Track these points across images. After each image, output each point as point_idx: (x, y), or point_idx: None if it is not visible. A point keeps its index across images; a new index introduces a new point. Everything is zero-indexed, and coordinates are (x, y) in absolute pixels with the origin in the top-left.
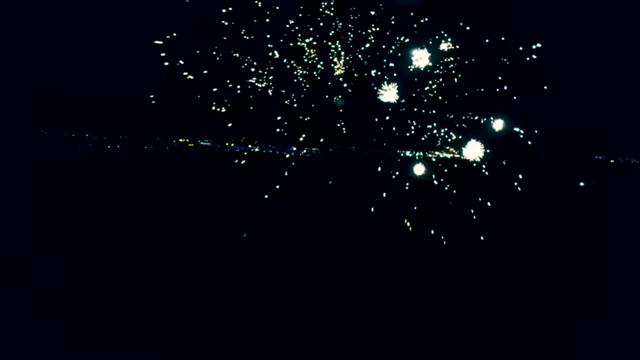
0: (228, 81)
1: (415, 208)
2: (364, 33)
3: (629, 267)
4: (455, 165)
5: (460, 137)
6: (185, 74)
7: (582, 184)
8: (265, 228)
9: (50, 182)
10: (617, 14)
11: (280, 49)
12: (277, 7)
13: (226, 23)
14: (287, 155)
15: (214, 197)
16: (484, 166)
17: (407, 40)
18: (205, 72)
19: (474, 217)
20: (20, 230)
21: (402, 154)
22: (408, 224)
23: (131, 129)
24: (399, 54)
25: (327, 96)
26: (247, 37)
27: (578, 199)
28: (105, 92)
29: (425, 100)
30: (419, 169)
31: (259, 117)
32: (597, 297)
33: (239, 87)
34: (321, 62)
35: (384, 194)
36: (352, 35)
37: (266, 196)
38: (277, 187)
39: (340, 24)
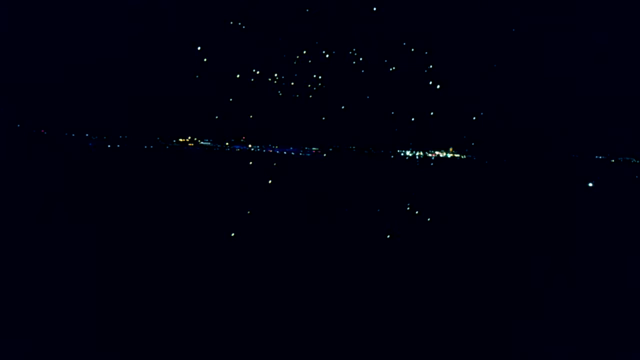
0: (228, 80)
1: (415, 209)
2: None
3: (629, 267)
4: (455, 165)
5: (461, 135)
6: (185, 72)
7: (590, 184)
8: (264, 228)
9: (49, 182)
10: (616, 13)
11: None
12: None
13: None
14: (287, 155)
15: (213, 196)
16: (483, 166)
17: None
18: (205, 71)
19: (474, 217)
20: (20, 230)
21: (402, 154)
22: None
23: (131, 129)
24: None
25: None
26: (246, 34)
27: (578, 199)
28: (106, 92)
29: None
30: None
31: (259, 116)
32: (596, 298)
33: (238, 86)
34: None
35: (384, 195)
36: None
37: (265, 196)
38: (277, 186)
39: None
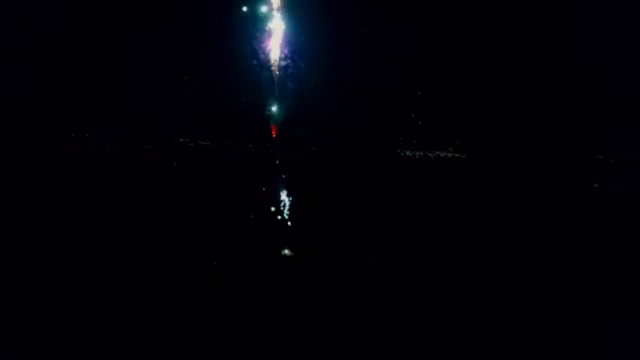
0: (228, 81)
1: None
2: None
3: (628, 267)
4: (455, 165)
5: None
6: (185, 73)
7: (595, 185)
8: (265, 226)
9: (49, 182)
10: (616, 12)
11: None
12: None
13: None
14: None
15: (213, 196)
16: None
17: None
18: (205, 72)
19: (474, 215)
20: (20, 230)
21: (402, 153)
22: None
23: (131, 128)
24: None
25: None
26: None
27: (577, 198)
28: (106, 92)
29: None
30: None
31: (260, 117)
32: (595, 297)
33: (239, 86)
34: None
35: (384, 194)
36: None
37: (264, 192)
38: (277, 185)
39: None
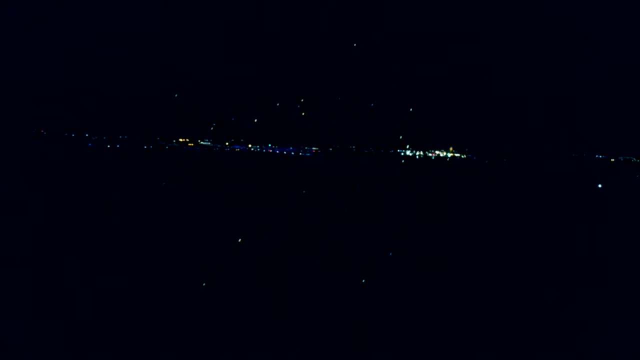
0: (228, 81)
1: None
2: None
3: (629, 267)
4: (455, 165)
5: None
6: (185, 73)
7: (599, 185)
8: (264, 228)
9: (49, 182)
10: (615, 12)
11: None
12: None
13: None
14: (287, 155)
15: (213, 196)
16: (483, 165)
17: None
18: (204, 72)
19: (475, 217)
20: (19, 231)
21: (402, 153)
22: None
23: (131, 129)
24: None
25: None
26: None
27: (578, 199)
28: (105, 91)
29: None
30: None
31: (259, 117)
32: (595, 298)
33: (238, 86)
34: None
35: (384, 193)
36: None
37: (265, 196)
38: (277, 186)
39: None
